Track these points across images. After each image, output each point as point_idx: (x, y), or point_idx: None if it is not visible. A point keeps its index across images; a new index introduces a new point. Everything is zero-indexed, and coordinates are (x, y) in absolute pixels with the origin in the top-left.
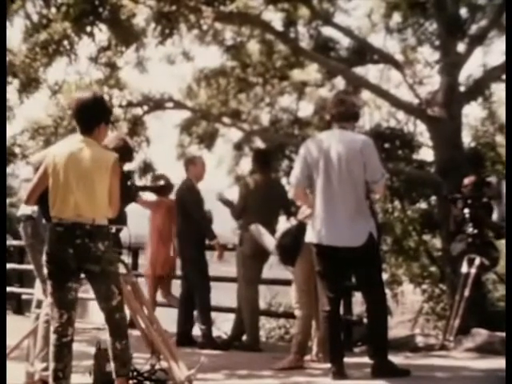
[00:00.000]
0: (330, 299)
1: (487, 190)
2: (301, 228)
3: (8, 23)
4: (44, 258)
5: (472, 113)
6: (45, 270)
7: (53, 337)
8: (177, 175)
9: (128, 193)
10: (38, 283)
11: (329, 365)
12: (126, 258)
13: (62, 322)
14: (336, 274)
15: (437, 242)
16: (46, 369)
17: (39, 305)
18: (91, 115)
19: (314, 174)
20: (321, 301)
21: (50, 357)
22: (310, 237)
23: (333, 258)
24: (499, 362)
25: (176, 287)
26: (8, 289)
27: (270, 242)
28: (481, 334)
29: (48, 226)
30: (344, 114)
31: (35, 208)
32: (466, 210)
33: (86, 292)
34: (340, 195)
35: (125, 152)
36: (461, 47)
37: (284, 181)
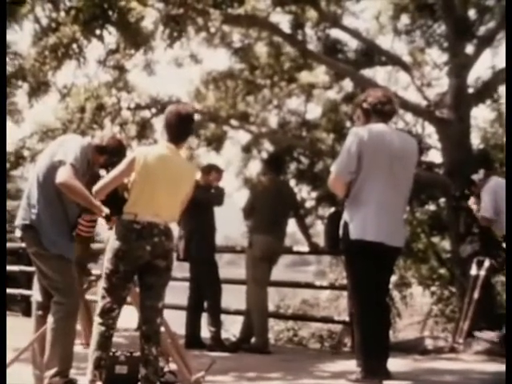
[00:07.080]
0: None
1: (474, 188)
2: None
3: (17, 27)
4: (112, 255)
5: (481, 115)
6: (109, 267)
7: (102, 328)
8: None
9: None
10: (36, 285)
11: None
12: None
13: (113, 316)
14: (378, 273)
15: (446, 244)
16: (55, 375)
17: (39, 307)
18: (188, 128)
19: (366, 167)
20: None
21: (93, 346)
22: (356, 233)
23: (375, 256)
24: None
25: (184, 289)
26: (17, 291)
27: None
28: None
29: (120, 221)
30: (391, 111)
31: (33, 216)
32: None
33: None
34: (398, 193)
35: (119, 150)
36: (469, 49)
37: (292, 183)
